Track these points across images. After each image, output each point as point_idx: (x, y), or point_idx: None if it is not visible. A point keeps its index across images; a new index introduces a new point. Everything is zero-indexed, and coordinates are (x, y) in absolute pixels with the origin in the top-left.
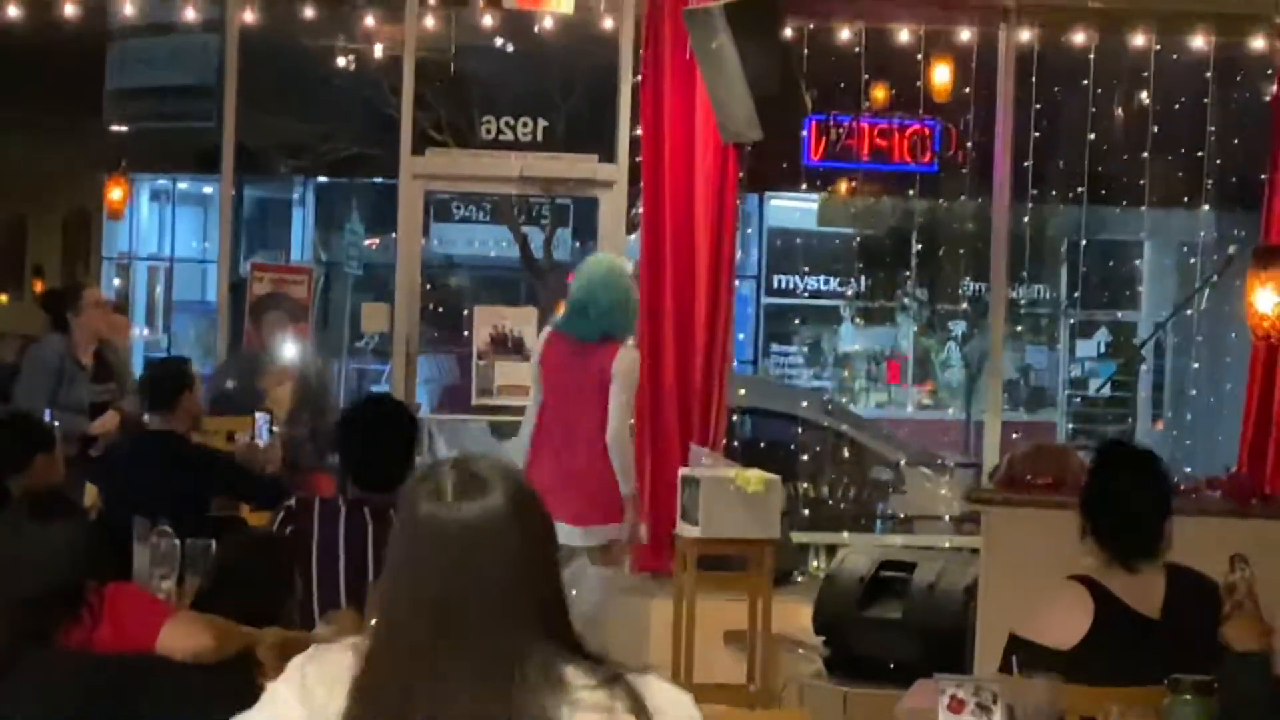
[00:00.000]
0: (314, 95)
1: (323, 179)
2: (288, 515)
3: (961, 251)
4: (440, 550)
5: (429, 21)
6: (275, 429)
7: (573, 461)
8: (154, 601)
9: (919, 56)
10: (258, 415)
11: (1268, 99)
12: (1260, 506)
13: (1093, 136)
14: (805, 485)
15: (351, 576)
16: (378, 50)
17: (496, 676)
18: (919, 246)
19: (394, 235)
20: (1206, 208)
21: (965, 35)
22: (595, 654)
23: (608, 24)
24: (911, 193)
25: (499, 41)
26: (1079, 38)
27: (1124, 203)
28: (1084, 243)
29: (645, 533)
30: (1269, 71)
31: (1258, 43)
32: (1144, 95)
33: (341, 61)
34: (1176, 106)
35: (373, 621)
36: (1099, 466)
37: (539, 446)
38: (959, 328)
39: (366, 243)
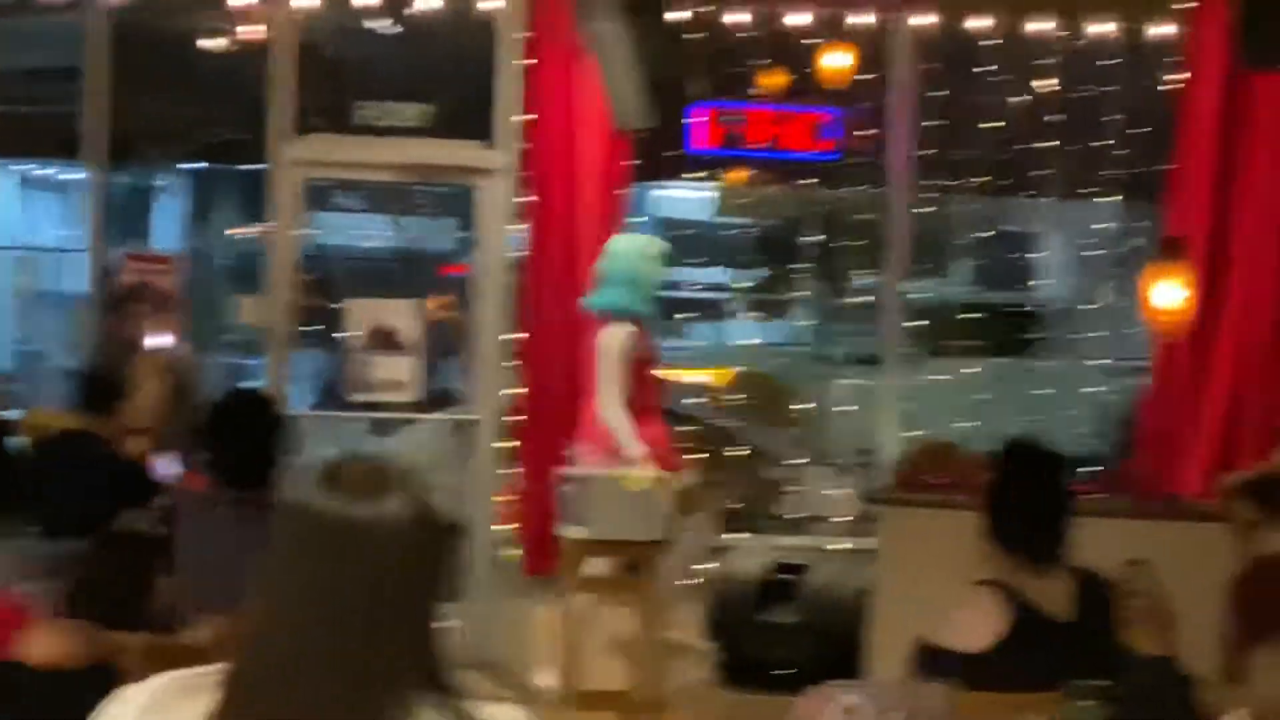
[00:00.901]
0: (184, 78)
1: (193, 165)
2: (158, 513)
3: (861, 243)
4: (325, 548)
5: (305, 1)
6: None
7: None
8: (13, 608)
9: (815, 41)
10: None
11: (1174, 86)
12: (1161, 507)
13: (995, 125)
14: None
15: (225, 578)
16: (251, 31)
17: (358, 703)
18: (814, 238)
19: (268, 224)
20: (1109, 199)
21: (862, 19)
22: (457, 690)
23: (491, 3)
24: (806, 182)
25: (379, 22)
26: (979, 22)
27: (1025, 193)
28: (984, 234)
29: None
30: (1175, 58)
31: (1164, 29)
32: (1047, 82)
33: (209, 43)
34: (1079, 94)
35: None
36: (1002, 466)
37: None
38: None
39: (239, 232)
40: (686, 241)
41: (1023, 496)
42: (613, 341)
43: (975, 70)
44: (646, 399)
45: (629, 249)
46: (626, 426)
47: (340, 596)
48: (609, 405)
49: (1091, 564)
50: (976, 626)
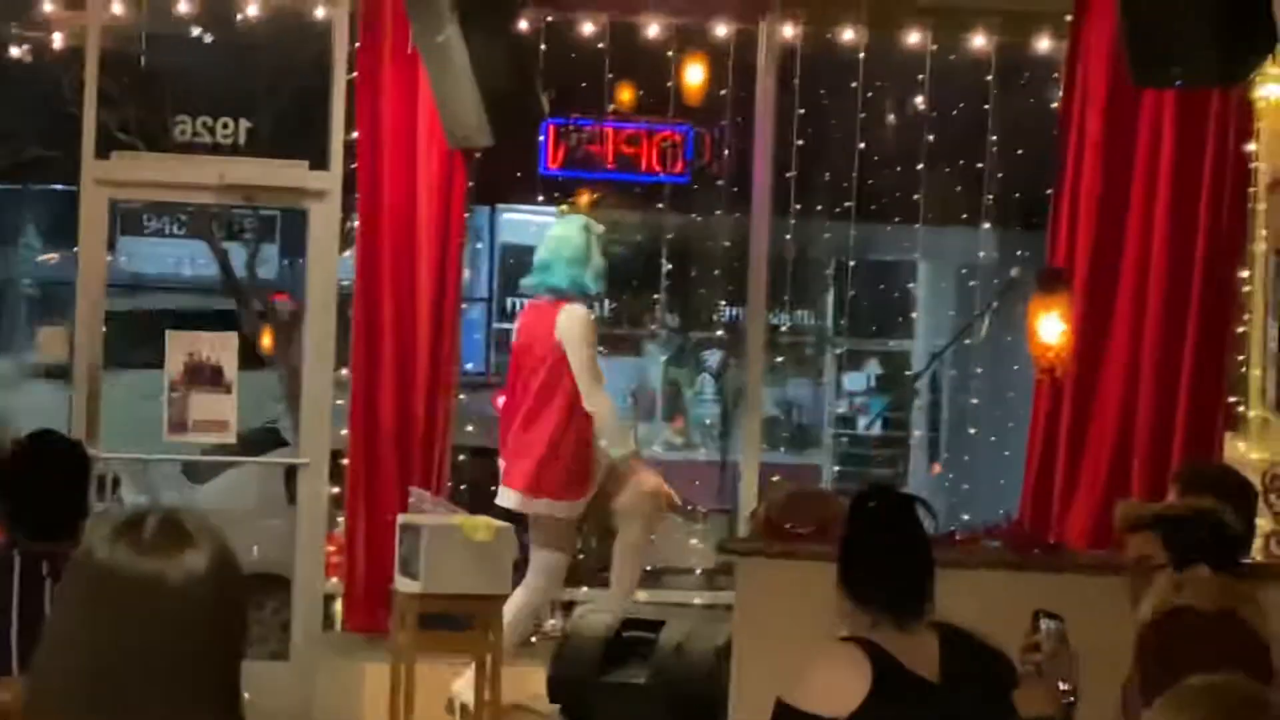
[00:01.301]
0: None
1: None
2: None
3: (717, 272)
4: (121, 604)
5: (116, 8)
6: None
7: (530, 429)
8: None
9: (670, 54)
10: None
11: (1054, 105)
12: (1043, 557)
13: (862, 146)
14: None
15: (24, 638)
16: (57, 40)
17: None
18: (669, 266)
19: (75, 250)
20: (987, 225)
21: (721, 31)
22: None
23: (320, 13)
24: (661, 206)
25: (196, 31)
26: (848, 35)
27: (897, 219)
28: (852, 264)
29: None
30: (1056, 76)
31: (1044, 44)
32: (919, 100)
33: (16, 52)
34: (955, 114)
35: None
36: (853, 518)
37: (506, 413)
38: (713, 358)
39: (44, 258)
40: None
41: (875, 549)
42: (577, 324)
43: (842, 86)
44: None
45: (572, 227)
46: (616, 416)
47: (133, 654)
48: (594, 393)
49: (971, 619)
50: (839, 687)
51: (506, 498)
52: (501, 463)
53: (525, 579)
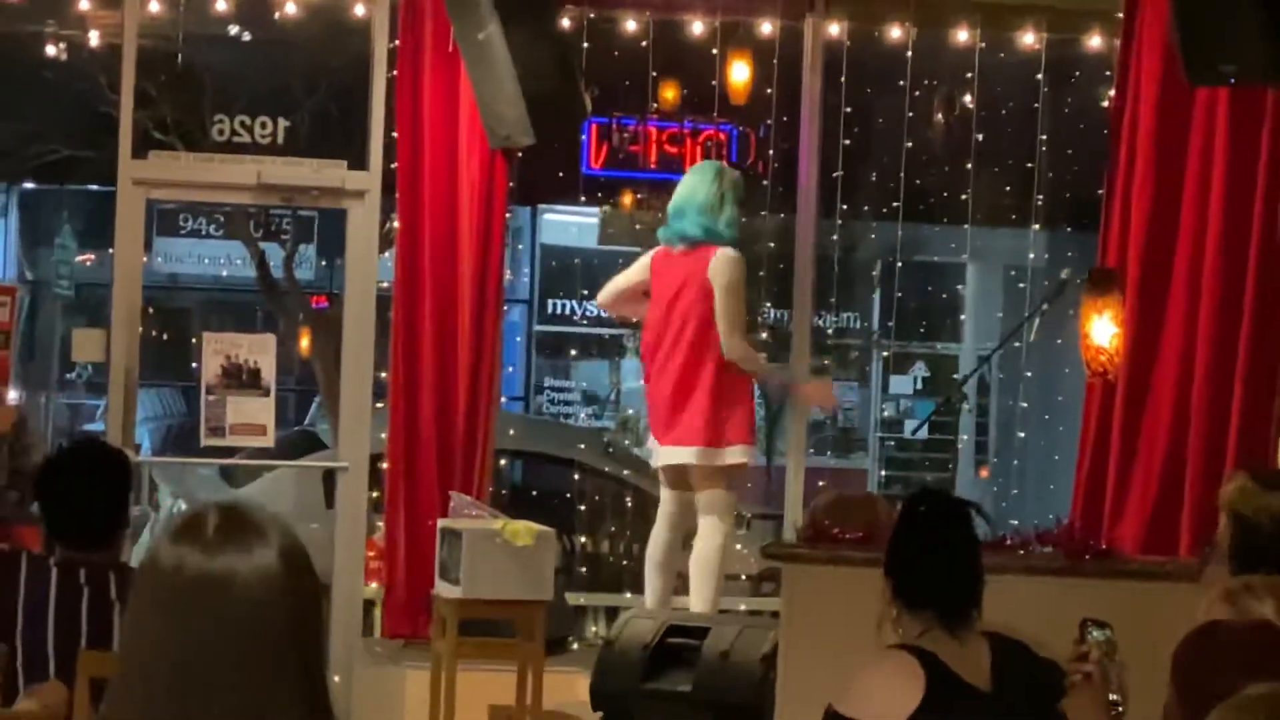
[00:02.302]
0: (19, 89)
1: (29, 185)
2: None
3: (761, 274)
4: (194, 604)
5: (153, 6)
6: None
7: (694, 379)
8: None
9: (714, 52)
10: None
11: (1105, 104)
12: (1094, 563)
13: (910, 145)
14: (583, 539)
15: (61, 644)
16: (94, 38)
17: None
18: None
19: (111, 250)
20: (1037, 226)
21: (766, 28)
22: None
23: (359, 10)
24: None
25: (234, 30)
26: (895, 32)
27: (944, 220)
28: (899, 265)
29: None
30: (1107, 73)
31: (1095, 41)
32: (967, 99)
33: (51, 51)
34: (1004, 112)
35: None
36: (905, 520)
37: (658, 369)
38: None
39: (79, 259)
40: (572, 271)
41: (930, 552)
42: (731, 268)
43: (889, 84)
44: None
45: (705, 175)
46: (760, 357)
47: (212, 654)
48: (739, 342)
49: (1020, 625)
50: (892, 696)
51: (678, 455)
52: (653, 419)
53: (706, 525)
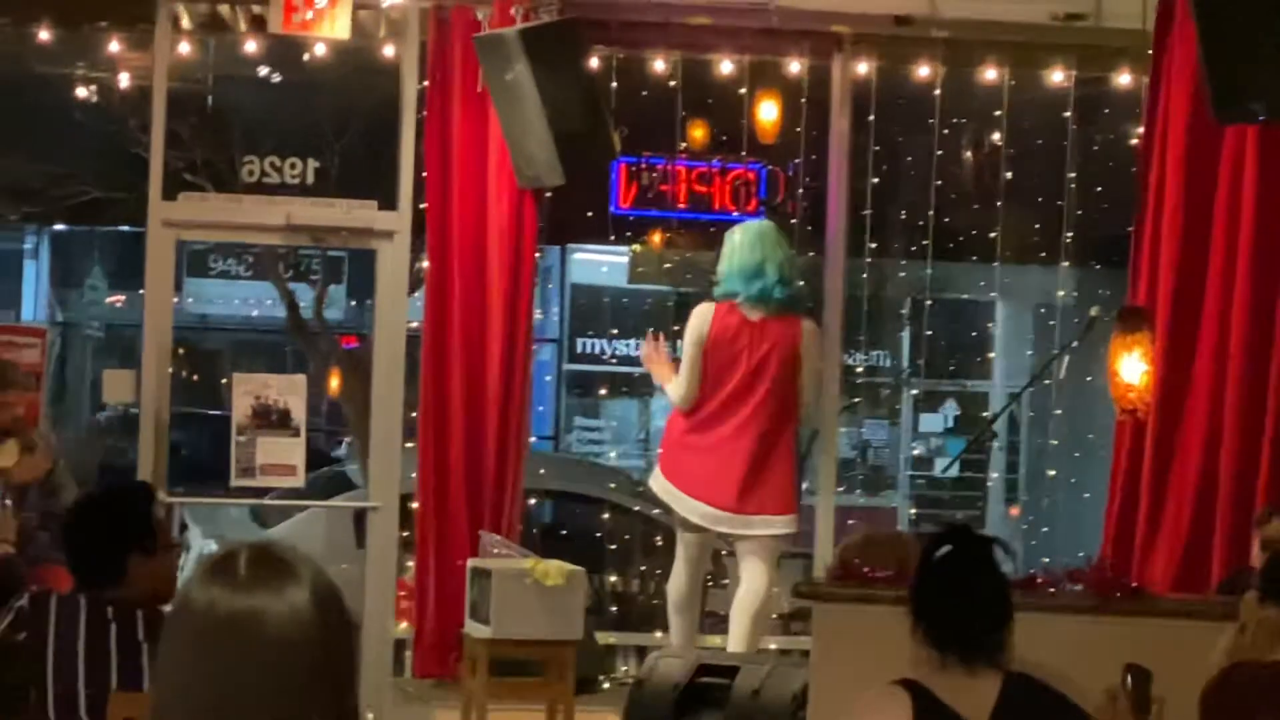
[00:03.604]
0: (50, 131)
1: (60, 227)
2: (19, 616)
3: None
4: (226, 643)
5: (183, 48)
6: (7, 501)
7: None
8: None
9: (742, 91)
10: None
11: (1134, 142)
12: (1125, 601)
13: (939, 183)
14: (613, 578)
15: (92, 684)
16: (124, 80)
17: None
18: None
19: (141, 292)
20: (1066, 264)
21: (794, 67)
22: None
23: (388, 52)
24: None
25: (264, 71)
26: (923, 71)
27: (974, 258)
28: (929, 303)
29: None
30: (1136, 111)
31: (1123, 79)
32: (996, 137)
33: (83, 92)
34: (1033, 150)
35: None
36: (929, 555)
37: (704, 431)
38: None
39: (110, 300)
40: (601, 310)
41: (951, 589)
42: (820, 342)
43: (918, 123)
44: None
45: (773, 237)
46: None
47: (247, 694)
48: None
49: (1051, 663)
50: None
51: (772, 525)
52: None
53: (753, 572)
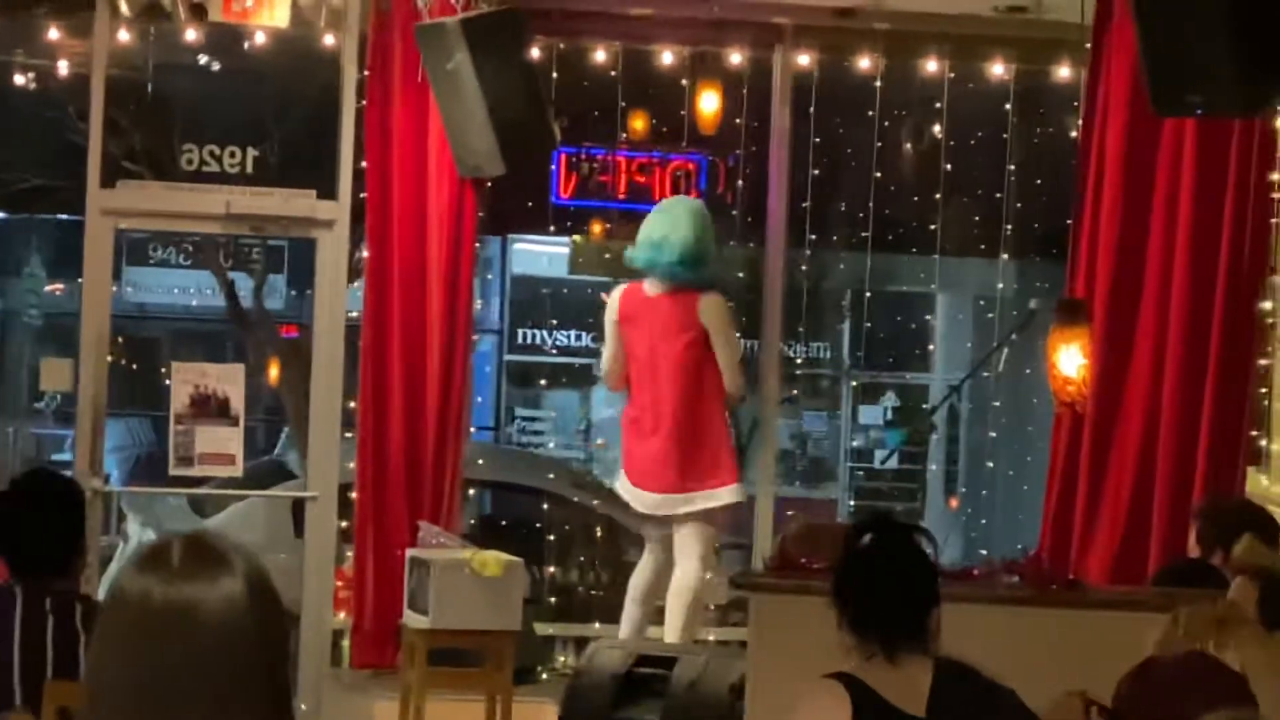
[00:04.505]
0: None
1: None
2: None
3: (731, 304)
4: (160, 633)
5: (122, 35)
6: None
7: (672, 422)
8: None
9: (683, 82)
10: None
11: (1073, 135)
12: (1061, 593)
13: (879, 175)
14: (552, 569)
15: (26, 673)
16: (63, 67)
17: None
18: None
19: (80, 280)
20: (1005, 256)
21: (735, 59)
22: None
23: (328, 41)
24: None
25: (204, 59)
26: (864, 63)
27: (914, 250)
28: (869, 295)
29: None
30: (1075, 104)
31: (1063, 71)
32: (936, 129)
33: (20, 80)
34: (973, 143)
35: None
36: (852, 544)
37: (636, 418)
38: None
39: (48, 288)
40: (542, 301)
41: (872, 578)
42: (724, 309)
43: (858, 115)
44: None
45: (685, 212)
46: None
47: (178, 684)
48: (740, 378)
49: (987, 657)
50: None
51: (717, 497)
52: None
53: (686, 559)
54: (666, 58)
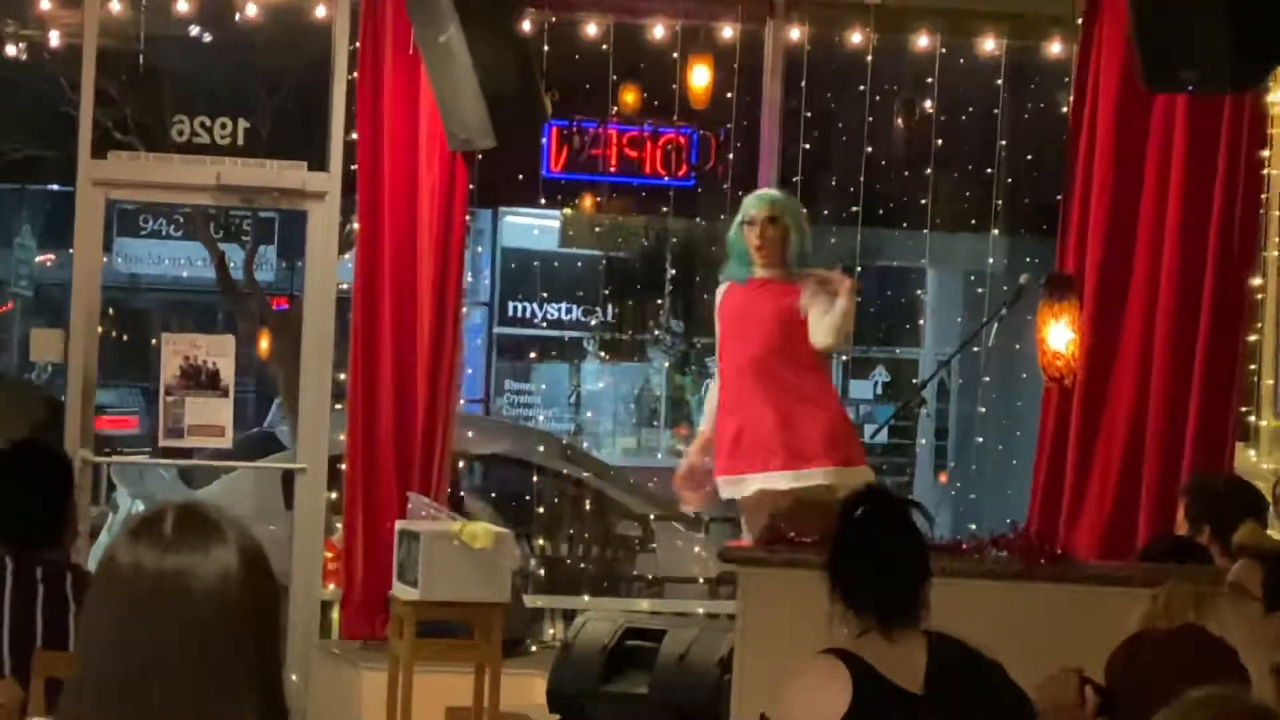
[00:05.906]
0: None
1: None
2: None
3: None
4: (151, 603)
5: (114, 6)
6: None
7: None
8: None
9: (675, 56)
10: None
11: (1064, 111)
12: (1050, 568)
13: (870, 150)
14: (541, 541)
15: (16, 644)
16: (54, 38)
17: None
18: (673, 271)
19: (71, 251)
20: (996, 231)
21: (727, 32)
22: None
23: (320, 12)
24: (665, 210)
25: (195, 30)
26: (855, 38)
27: (904, 225)
28: (859, 269)
29: None
30: (1066, 80)
31: (1054, 48)
32: (928, 104)
33: (11, 50)
34: (964, 118)
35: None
36: (845, 519)
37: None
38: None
39: (39, 259)
40: (532, 274)
41: (868, 553)
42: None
43: (850, 90)
44: None
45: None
46: None
47: (168, 654)
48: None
49: (975, 630)
50: (819, 702)
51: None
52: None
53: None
54: (658, 31)
